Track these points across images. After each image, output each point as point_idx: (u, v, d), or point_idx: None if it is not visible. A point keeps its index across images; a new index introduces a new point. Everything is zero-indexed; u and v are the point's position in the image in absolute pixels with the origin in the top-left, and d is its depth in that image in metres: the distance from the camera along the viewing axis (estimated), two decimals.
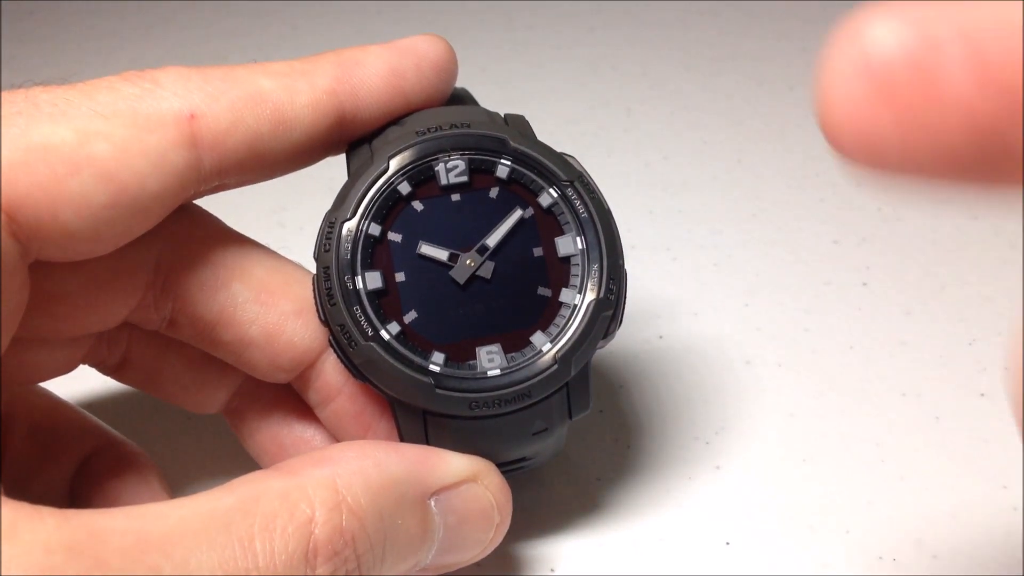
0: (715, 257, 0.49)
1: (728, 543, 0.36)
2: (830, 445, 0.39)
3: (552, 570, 0.35)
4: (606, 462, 0.39)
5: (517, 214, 0.32)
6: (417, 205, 0.32)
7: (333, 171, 0.35)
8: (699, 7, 0.71)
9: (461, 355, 0.31)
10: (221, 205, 0.33)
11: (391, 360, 0.30)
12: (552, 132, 0.53)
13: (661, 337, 0.45)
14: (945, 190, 0.20)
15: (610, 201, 0.33)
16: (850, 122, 0.19)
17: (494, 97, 0.40)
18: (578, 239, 0.32)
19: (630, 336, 0.45)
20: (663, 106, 0.61)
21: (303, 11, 0.74)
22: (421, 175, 0.32)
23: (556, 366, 0.31)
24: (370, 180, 0.31)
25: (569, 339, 0.31)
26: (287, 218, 0.53)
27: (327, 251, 0.31)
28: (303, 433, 0.35)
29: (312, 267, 0.32)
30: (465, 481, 0.30)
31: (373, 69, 0.31)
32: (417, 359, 0.31)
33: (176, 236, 0.32)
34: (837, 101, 0.19)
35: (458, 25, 0.71)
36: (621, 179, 0.55)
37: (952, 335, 0.43)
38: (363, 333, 0.30)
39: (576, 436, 0.40)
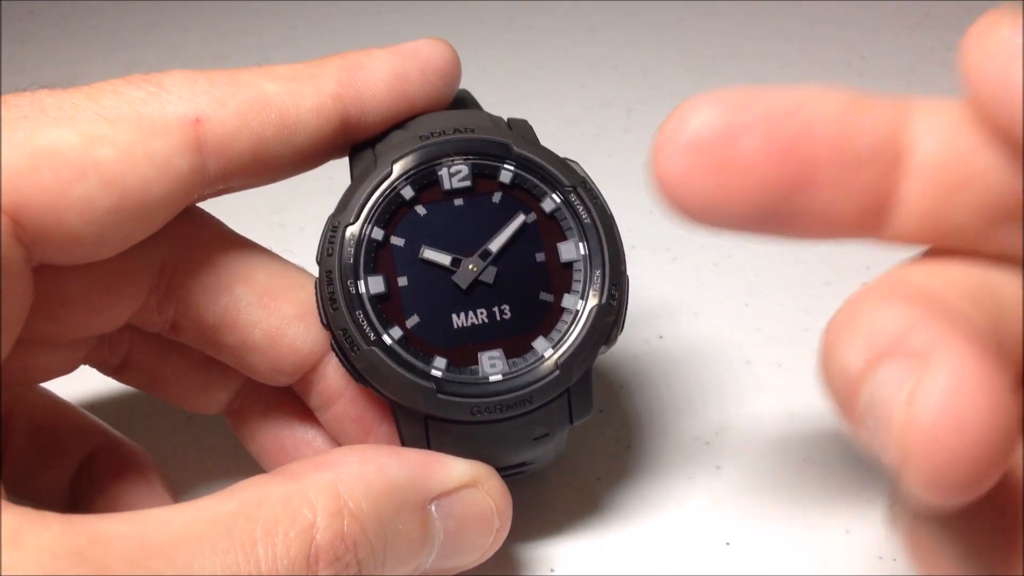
0: (715, 257, 0.49)
1: (728, 543, 0.36)
2: (830, 445, 0.39)
3: (552, 570, 0.35)
4: (606, 462, 0.39)
5: (520, 219, 0.32)
6: (420, 209, 0.32)
7: (334, 171, 0.35)
8: (699, 7, 0.71)
9: (463, 360, 0.32)
10: (222, 205, 0.33)
11: (393, 365, 0.31)
12: (552, 132, 0.53)
13: (661, 337, 0.45)
14: (763, 236, 0.25)
15: (610, 201, 0.33)
16: (677, 187, 0.23)
17: (494, 97, 0.40)
18: (580, 245, 0.32)
19: (630, 336, 0.45)
20: (663, 106, 0.61)
21: (304, 12, 0.74)
22: (424, 180, 0.32)
23: (558, 372, 0.31)
24: (373, 184, 0.31)
25: (571, 345, 0.32)
26: (287, 218, 0.53)
27: (330, 255, 0.31)
28: (304, 435, 0.36)
29: (314, 270, 0.32)
30: (466, 486, 0.31)
31: (377, 73, 0.32)
32: (419, 364, 0.31)
33: (179, 239, 0.32)
34: (666, 170, 0.23)
35: (458, 25, 0.71)
36: (621, 179, 0.55)
37: None
38: (365, 337, 0.31)
39: (576, 436, 0.40)
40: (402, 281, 0.32)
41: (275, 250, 0.34)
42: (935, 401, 0.19)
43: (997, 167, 0.23)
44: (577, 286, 0.32)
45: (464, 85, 0.35)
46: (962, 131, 0.23)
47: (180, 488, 0.38)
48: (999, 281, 0.24)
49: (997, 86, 0.21)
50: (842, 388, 0.22)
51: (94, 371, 0.36)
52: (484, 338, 0.32)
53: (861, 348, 0.21)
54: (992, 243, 0.24)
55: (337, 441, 0.34)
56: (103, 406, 0.41)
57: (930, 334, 0.20)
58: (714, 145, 0.23)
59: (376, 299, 0.31)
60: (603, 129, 0.59)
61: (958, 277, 0.23)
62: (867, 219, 0.24)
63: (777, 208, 0.24)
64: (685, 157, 0.23)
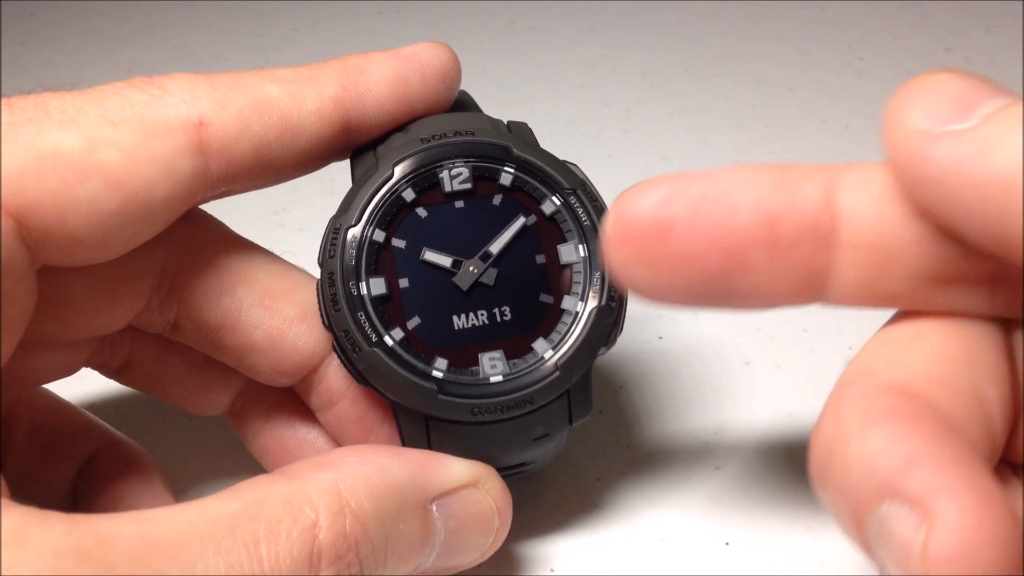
0: None
1: (728, 543, 0.36)
2: None
3: (552, 570, 0.35)
4: (606, 462, 0.39)
5: (520, 221, 0.32)
6: (421, 212, 0.32)
7: (334, 172, 0.35)
8: (699, 8, 0.71)
9: (464, 361, 0.32)
10: (223, 206, 0.33)
11: (394, 366, 0.31)
12: (552, 133, 0.54)
13: (661, 338, 0.45)
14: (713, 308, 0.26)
15: (610, 203, 0.33)
16: (623, 274, 0.25)
17: (494, 98, 0.41)
18: (580, 247, 0.32)
19: (630, 337, 0.45)
20: (662, 107, 0.61)
21: (304, 13, 0.74)
22: (425, 182, 0.32)
23: (557, 373, 0.31)
24: (375, 187, 0.32)
25: (571, 346, 0.32)
26: (288, 219, 0.53)
27: (331, 257, 0.31)
28: (306, 435, 0.36)
29: (315, 271, 0.33)
30: (466, 486, 0.31)
31: (378, 76, 0.32)
32: (420, 365, 0.31)
33: (182, 241, 0.32)
34: (612, 260, 0.25)
35: (458, 26, 0.71)
36: (621, 180, 0.55)
37: None
38: (367, 339, 0.31)
39: (576, 436, 0.40)
40: (403, 283, 0.32)
41: (276, 251, 0.34)
42: (946, 553, 0.20)
43: (924, 239, 0.24)
44: (577, 288, 0.32)
45: (464, 86, 0.35)
46: (889, 203, 0.24)
47: (182, 488, 0.38)
48: (977, 344, 0.25)
49: (915, 168, 0.22)
50: (846, 513, 0.23)
51: (96, 372, 0.36)
52: (485, 339, 0.32)
53: (860, 478, 0.22)
54: (937, 304, 0.25)
55: (338, 441, 0.34)
56: (105, 407, 0.41)
57: (930, 476, 0.21)
58: (646, 239, 0.25)
59: (377, 300, 0.31)
60: (602, 130, 0.60)
61: (937, 357, 0.24)
62: (804, 292, 0.25)
63: (714, 290, 0.25)
64: (624, 250, 0.25)
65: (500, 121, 0.34)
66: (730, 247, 0.24)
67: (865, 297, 0.25)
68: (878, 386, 0.24)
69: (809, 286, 0.25)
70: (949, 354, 0.24)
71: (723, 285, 0.25)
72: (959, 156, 0.22)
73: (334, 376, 0.33)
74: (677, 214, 0.24)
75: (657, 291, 0.25)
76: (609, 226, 0.25)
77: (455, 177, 0.32)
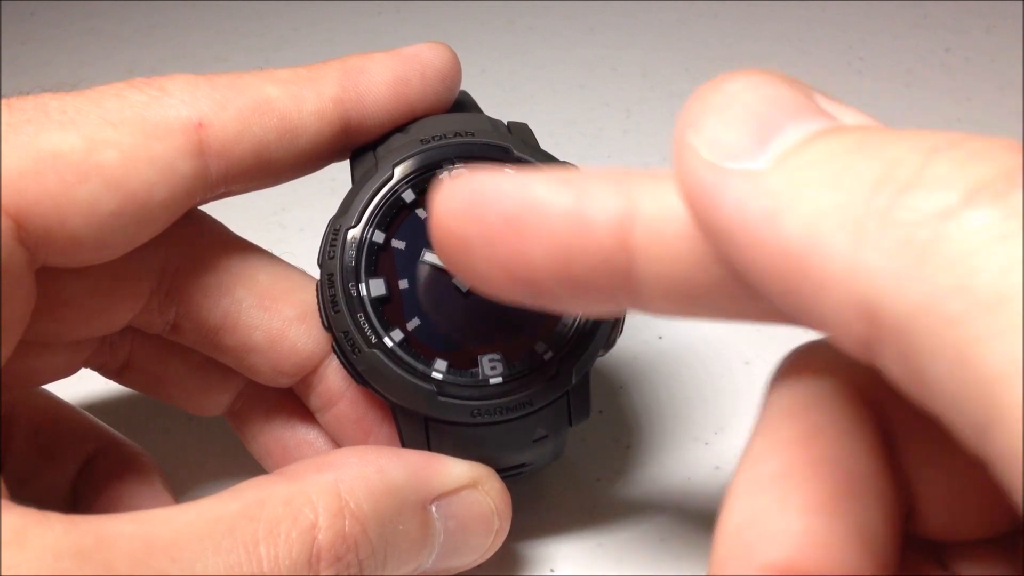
0: None
1: None
2: None
3: (552, 570, 0.35)
4: (606, 462, 0.39)
5: None
6: (421, 213, 0.32)
7: (334, 172, 0.35)
8: (699, 8, 0.71)
9: (463, 362, 0.32)
10: (223, 206, 0.33)
11: (394, 367, 0.31)
12: (552, 133, 0.54)
13: (661, 338, 0.45)
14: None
15: None
16: (445, 263, 0.24)
17: (494, 98, 0.41)
18: None
19: (630, 337, 0.45)
20: (663, 107, 0.61)
21: (304, 13, 0.74)
22: (425, 183, 0.32)
23: (557, 374, 0.31)
24: (375, 188, 0.32)
25: (570, 348, 0.32)
26: (288, 219, 0.53)
27: (331, 258, 0.31)
28: (306, 435, 0.36)
29: (314, 271, 0.33)
30: (466, 487, 0.31)
31: (379, 77, 0.32)
32: (420, 366, 0.31)
33: (181, 242, 0.32)
34: (437, 250, 0.23)
35: (458, 26, 0.71)
36: None
37: None
38: (366, 340, 0.31)
39: (576, 436, 0.40)
40: (403, 284, 0.32)
41: (276, 251, 0.34)
42: None
43: (726, 281, 0.21)
44: None
45: (464, 86, 0.35)
46: (686, 241, 0.21)
47: (181, 489, 0.38)
48: (854, 471, 0.22)
49: (701, 211, 0.20)
50: None
51: (95, 373, 0.36)
52: (484, 341, 0.32)
53: None
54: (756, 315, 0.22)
55: (337, 442, 0.34)
56: (104, 407, 0.41)
57: None
58: (454, 248, 0.23)
59: (377, 302, 0.31)
60: (602, 130, 0.60)
61: (812, 506, 0.21)
62: (618, 308, 0.24)
63: (532, 301, 0.24)
64: (439, 248, 0.23)
65: (500, 122, 0.34)
66: (527, 277, 0.22)
67: (682, 315, 0.23)
68: (756, 567, 0.21)
69: (619, 306, 0.23)
70: (825, 500, 0.21)
71: (534, 300, 0.23)
72: (748, 213, 0.18)
73: (333, 377, 0.33)
74: (475, 236, 0.23)
75: (480, 288, 0.24)
76: (429, 224, 0.24)
77: None
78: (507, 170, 0.24)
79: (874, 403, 0.22)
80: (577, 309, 0.24)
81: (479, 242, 0.23)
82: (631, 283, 0.22)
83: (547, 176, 0.22)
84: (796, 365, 0.23)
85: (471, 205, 0.23)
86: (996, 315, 0.15)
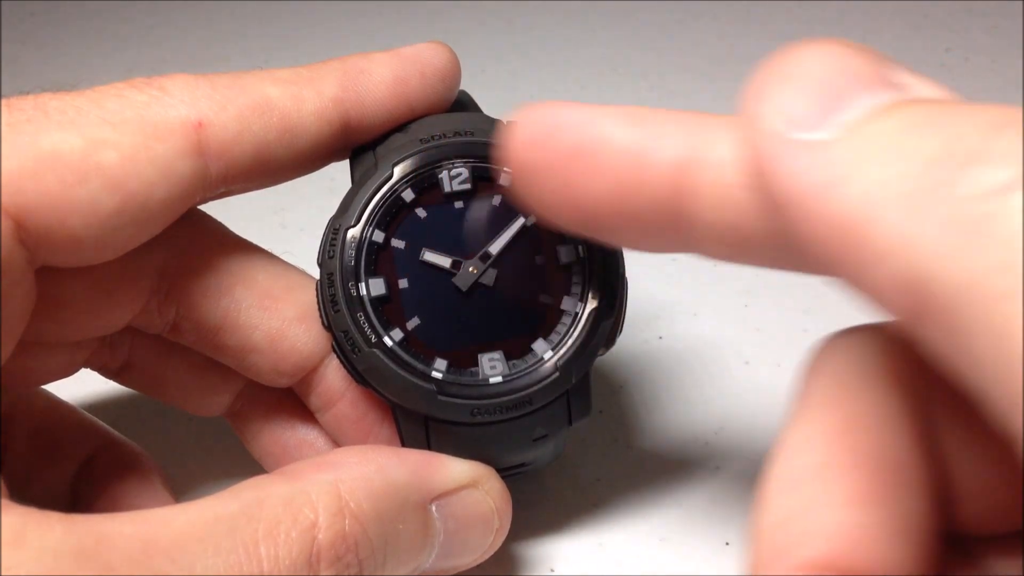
0: None
1: (728, 543, 0.36)
2: None
3: (552, 570, 0.35)
4: (606, 462, 0.39)
5: (520, 222, 0.32)
6: (420, 212, 0.32)
7: (334, 172, 0.35)
8: (698, 8, 0.71)
9: (463, 362, 0.32)
10: (223, 205, 0.33)
11: (394, 367, 0.31)
12: None
13: (661, 338, 0.45)
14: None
15: None
16: (518, 190, 0.25)
17: (493, 98, 0.41)
18: (579, 247, 0.32)
19: (630, 337, 0.45)
20: (663, 107, 0.61)
21: (304, 13, 0.74)
22: (425, 182, 0.32)
23: (557, 374, 0.31)
24: (374, 187, 0.32)
25: (570, 347, 0.32)
26: (288, 219, 0.53)
27: (331, 257, 0.31)
28: (306, 436, 0.36)
29: (314, 271, 0.33)
30: (466, 486, 0.31)
31: (378, 77, 0.32)
32: (420, 366, 0.31)
33: (181, 242, 0.32)
34: (511, 177, 0.25)
35: (458, 26, 0.71)
36: None
37: None
38: (366, 339, 0.31)
39: (576, 436, 0.40)
40: (403, 283, 0.32)
41: (276, 251, 0.34)
42: None
43: (780, 235, 0.21)
44: (576, 288, 0.32)
45: (464, 86, 0.35)
46: (746, 191, 0.21)
47: (181, 489, 0.38)
48: (894, 461, 0.21)
49: (764, 176, 0.20)
50: None
51: (95, 373, 0.36)
52: (484, 340, 0.32)
53: None
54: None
55: (337, 442, 0.34)
56: (104, 407, 0.41)
57: None
58: (526, 174, 0.25)
59: (377, 301, 0.31)
60: None
61: (854, 499, 0.21)
62: (673, 247, 0.24)
63: (594, 232, 0.25)
64: (513, 174, 0.25)
65: (500, 121, 0.34)
66: (586, 208, 0.24)
67: (734, 260, 0.23)
68: (800, 565, 0.21)
69: (671, 246, 0.24)
70: (868, 492, 0.21)
71: (593, 232, 0.25)
72: (807, 182, 0.19)
73: (333, 377, 0.33)
74: (541, 164, 0.24)
75: (545, 217, 0.25)
76: (507, 144, 0.25)
77: (455, 177, 0.32)
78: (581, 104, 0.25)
79: (911, 390, 0.22)
80: (632, 244, 0.25)
81: (545, 170, 0.24)
82: (684, 224, 0.23)
83: (617, 112, 0.23)
84: (830, 354, 0.23)
85: (542, 133, 0.24)
86: None
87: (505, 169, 0.26)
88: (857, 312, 0.45)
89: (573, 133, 0.24)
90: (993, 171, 0.16)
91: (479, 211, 0.32)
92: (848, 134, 0.19)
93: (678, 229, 0.23)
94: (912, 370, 0.22)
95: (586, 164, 0.23)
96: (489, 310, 0.32)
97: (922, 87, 0.20)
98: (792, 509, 0.21)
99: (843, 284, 0.20)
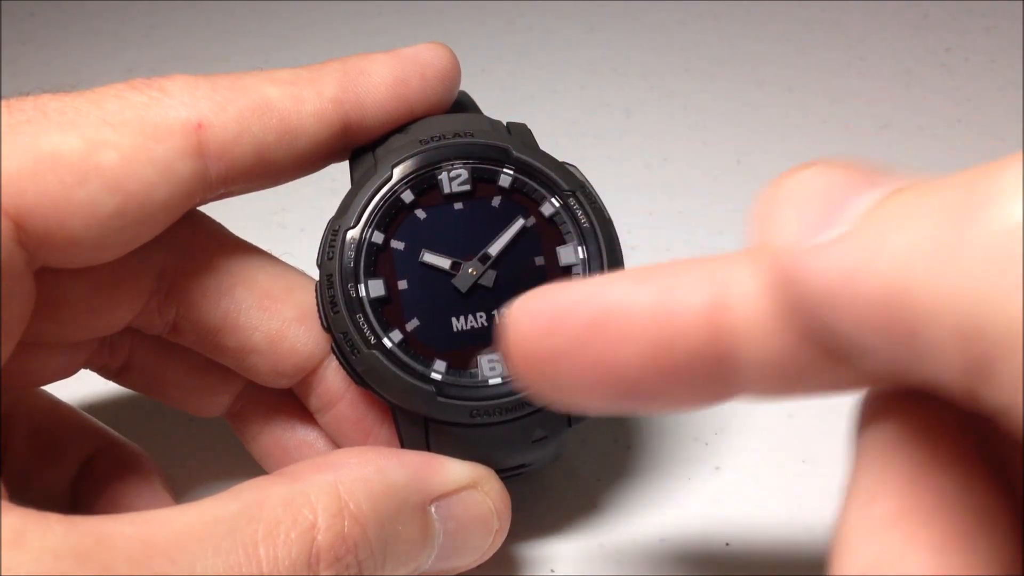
0: None
1: (728, 543, 0.36)
2: (830, 445, 0.39)
3: (552, 570, 0.35)
4: (606, 462, 0.39)
5: (519, 223, 0.32)
6: (420, 213, 0.32)
7: (335, 173, 0.35)
8: (699, 8, 0.71)
9: (463, 363, 0.32)
10: (222, 207, 0.33)
11: (393, 368, 0.31)
12: (552, 134, 0.53)
13: None
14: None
15: (610, 203, 0.33)
16: (528, 385, 0.24)
17: (493, 98, 0.41)
18: (579, 249, 0.32)
19: None
20: (663, 108, 0.61)
21: (304, 13, 0.74)
22: (424, 184, 0.32)
23: None
24: (373, 188, 0.32)
25: None
26: (288, 219, 0.53)
27: (330, 258, 0.31)
28: (306, 436, 0.36)
29: (314, 271, 0.33)
30: (465, 487, 0.31)
31: (378, 78, 0.32)
32: (419, 367, 0.31)
33: (180, 243, 0.32)
34: (514, 370, 0.24)
35: (458, 26, 0.71)
36: (621, 181, 0.55)
37: None
38: (366, 341, 0.31)
39: (576, 436, 0.40)
40: (402, 284, 0.32)
41: (276, 251, 0.34)
42: None
43: (825, 357, 0.21)
44: None
45: (464, 86, 0.35)
46: (783, 321, 0.21)
47: (181, 489, 0.38)
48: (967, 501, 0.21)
49: (796, 290, 0.20)
50: None
51: (95, 374, 0.36)
52: (483, 341, 0.32)
53: None
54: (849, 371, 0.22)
55: (337, 443, 0.34)
56: (104, 408, 0.41)
57: None
58: (540, 364, 0.23)
59: (376, 302, 0.31)
60: (603, 131, 0.60)
61: (938, 547, 0.20)
62: (717, 399, 0.23)
63: (622, 407, 0.24)
64: (522, 368, 0.24)
65: (499, 122, 0.34)
66: (621, 380, 0.22)
67: (785, 395, 0.23)
68: None
69: (719, 396, 0.23)
70: (952, 537, 0.20)
71: (629, 404, 0.23)
72: (839, 271, 0.19)
73: (333, 378, 0.33)
74: (561, 349, 0.23)
75: (568, 405, 0.24)
76: (507, 347, 0.24)
77: (454, 179, 0.32)
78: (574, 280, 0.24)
79: (977, 431, 0.22)
80: (675, 405, 0.24)
81: (563, 354, 0.23)
82: (728, 368, 0.22)
83: (621, 277, 0.23)
84: (888, 395, 0.23)
85: (551, 319, 0.23)
86: None
87: (514, 369, 0.24)
88: None
89: (586, 309, 0.23)
90: (1010, 206, 0.16)
91: (478, 212, 0.32)
92: (861, 222, 0.19)
93: (721, 375, 0.22)
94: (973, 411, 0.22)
95: (610, 336, 0.22)
96: (489, 311, 0.32)
97: (902, 178, 0.20)
98: (877, 557, 0.21)
99: (890, 378, 0.20)
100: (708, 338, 0.22)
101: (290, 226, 0.53)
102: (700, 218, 0.52)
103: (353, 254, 0.31)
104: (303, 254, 0.36)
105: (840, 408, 0.40)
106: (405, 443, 0.32)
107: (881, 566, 0.20)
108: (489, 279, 0.32)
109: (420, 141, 0.32)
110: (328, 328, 0.31)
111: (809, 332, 0.20)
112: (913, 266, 0.17)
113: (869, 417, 0.23)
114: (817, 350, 0.21)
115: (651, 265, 0.23)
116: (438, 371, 0.31)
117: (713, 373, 0.22)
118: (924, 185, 0.19)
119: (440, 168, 0.32)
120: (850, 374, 0.21)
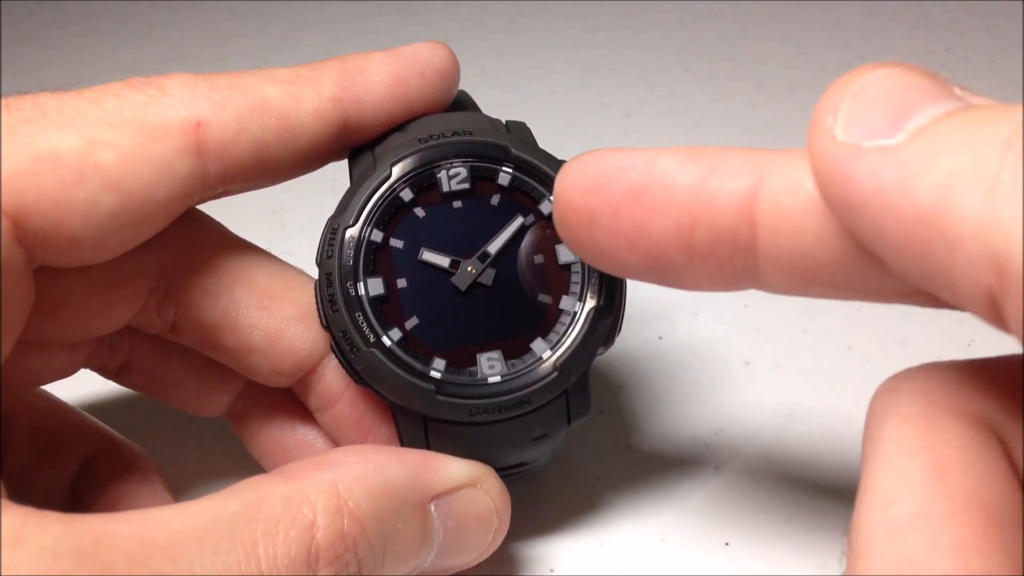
0: None
1: (728, 543, 0.36)
2: (829, 445, 0.39)
3: (552, 570, 0.35)
4: (606, 462, 0.39)
5: (518, 221, 0.32)
6: (419, 212, 0.32)
7: (333, 172, 0.35)
8: (699, 9, 0.71)
9: (462, 361, 0.32)
10: (223, 205, 0.33)
11: (392, 366, 0.31)
12: (552, 134, 0.54)
13: (661, 338, 0.45)
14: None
15: None
16: (568, 239, 0.26)
17: (494, 98, 0.41)
18: None
19: (630, 337, 0.45)
20: (662, 107, 0.61)
21: (304, 12, 0.74)
22: (423, 182, 0.32)
23: (556, 373, 0.31)
24: (373, 187, 0.32)
25: (569, 346, 0.32)
26: (288, 219, 0.53)
27: (329, 257, 0.31)
28: (306, 436, 0.36)
29: (313, 270, 0.33)
30: (465, 486, 0.31)
31: (377, 77, 0.32)
32: (418, 365, 0.31)
33: (179, 242, 0.32)
34: (559, 226, 0.27)
35: (458, 26, 0.71)
36: None
37: (951, 336, 0.44)
38: (365, 339, 0.31)
39: (576, 436, 0.40)
40: (401, 283, 0.32)
41: (275, 250, 0.34)
42: None
43: (848, 256, 0.22)
44: (575, 288, 0.32)
45: (463, 86, 0.35)
46: (812, 215, 0.22)
47: (181, 488, 0.38)
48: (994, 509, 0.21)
49: (836, 187, 0.21)
50: None
51: (95, 373, 0.36)
52: (483, 340, 0.32)
53: None
54: (873, 286, 0.23)
55: (337, 442, 0.34)
56: (104, 407, 0.41)
57: None
58: (580, 221, 0.25)
59: (375, 301, 0.31)
60: (603, 131, 0.60)
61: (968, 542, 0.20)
62: (732, 285, 0.25)
63: (646, 275, 0.25)
64: (564, 223, 0.26)
65: (498, 121, 0.34)
66: (648, 248, 0.24)
67: (798, 291, 0.24)
68: None
69: (736, 282, 0.25)
70: (975, 537, 0.20)
71: (652, 274, 0.25)
72: (882, 181, 0.19)
73: (332, 377, 0.33)
74: (600, 208, 0.25)
75: (599, 263, 0.26)
76: (554, 201, 0.27)
77: (453, 177, 0.32)
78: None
79: (991, 427, 0.22)
80: (694, 283, 0.25)
81: (603, 215, 0.24)
82: (752, 256, 0.23)
83: (674, 151, 0.24)
84: (899, 395, 0.23)
85: (597, 178, 0.25)
86: None
87: (557, 221, 0.27)
88: (855, 311, 0.45)
89: (634, 175, 0.24)
90: None
91: (477, 210, 0.32)
92: (918, 136, 0.19)
93: (744, 261, 0.23)
94: (993, 407, 0.22)
95: (650, 204, 0.24)
96: (488, 309, 0.32)
97: (980, 99, 0.20)
98: (898, 559, 0.21)
99: (908, 297, 0.21)
100: (738, 223, 0.23)
101: (289, 225, 0.53)
102: None
103: (352, 252, 0.31)
104: (302, 253, 0.36)
105: (840, 409, 0.41)
106: (404, 441, 0.32)
107: (904, 567, 0.20)
108: (488, 277, 0.32)
109: (419, 139, 0.32)
110: (327, 327, 0.31)
111: (836, 231, 0.21)
112: (955, 189, 0.18)
113: (882, 418, 0.23)
114: (839, 253, 0.22)
115: (699, 147, 0.24)
116: (437, 369, 0.31)
117: (736, 258, 0.23)
118: (980, 112, 0.19)
119: (439, 166, 0.32)
120: (867, 284, 0.22)
